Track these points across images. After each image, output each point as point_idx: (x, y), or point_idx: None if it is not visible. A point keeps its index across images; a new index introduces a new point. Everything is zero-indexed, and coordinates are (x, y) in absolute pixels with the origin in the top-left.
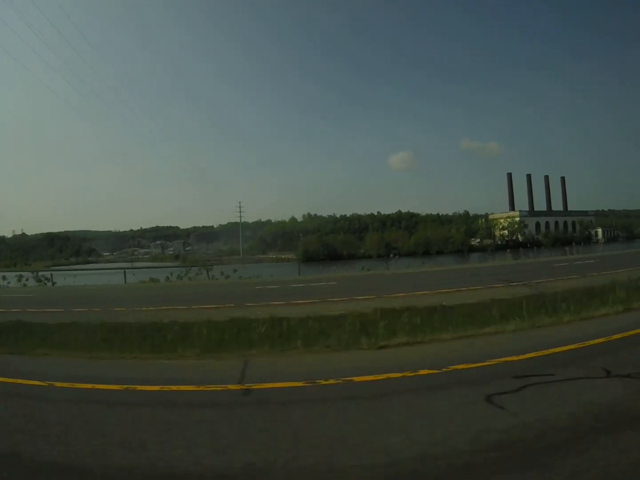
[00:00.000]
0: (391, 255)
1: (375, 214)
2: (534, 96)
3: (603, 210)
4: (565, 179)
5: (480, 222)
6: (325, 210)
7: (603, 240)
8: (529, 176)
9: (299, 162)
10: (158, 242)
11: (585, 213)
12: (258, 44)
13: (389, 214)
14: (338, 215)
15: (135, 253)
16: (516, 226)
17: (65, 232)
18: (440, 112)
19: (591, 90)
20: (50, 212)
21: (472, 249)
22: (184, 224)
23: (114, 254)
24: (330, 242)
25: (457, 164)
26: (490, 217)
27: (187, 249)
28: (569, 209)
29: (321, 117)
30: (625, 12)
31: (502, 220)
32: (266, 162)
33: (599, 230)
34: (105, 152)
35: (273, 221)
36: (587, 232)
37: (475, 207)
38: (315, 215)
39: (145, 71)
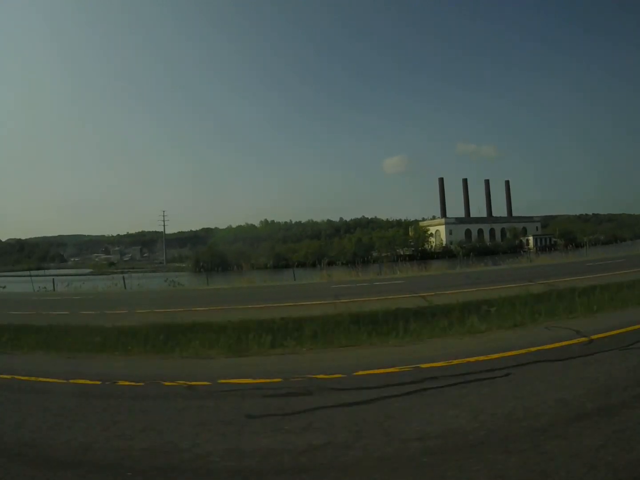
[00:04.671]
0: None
1: (337, 220)
2: (531, 99)
3: (586, 214)
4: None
5: (410, 229)
6: (307, 215)
7: (535, 249)
8: (465, 180)
9: (289, 163)
10: (117, 248)
11: (530, 219)
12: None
13: (346, 221)
14: (293, 222)
15: (97, 259)
16: (421, 235)
17: (60, 236)
18: (432, 113)
19: (589, 91)
20: (41, 216)
21: (368, 260)
22: (170, 229)
23: (76, 260)
24: (223, 252)
25: (445, 168)
26: (421, 224)
27: (144, 255)
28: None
29: (301, 113)
30: (623, 13)
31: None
32: (255, 165)
33: (530, 239)
34: (99, 156)
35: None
36: (518, 241)
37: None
38: (273, 221)
39: (140, 73)
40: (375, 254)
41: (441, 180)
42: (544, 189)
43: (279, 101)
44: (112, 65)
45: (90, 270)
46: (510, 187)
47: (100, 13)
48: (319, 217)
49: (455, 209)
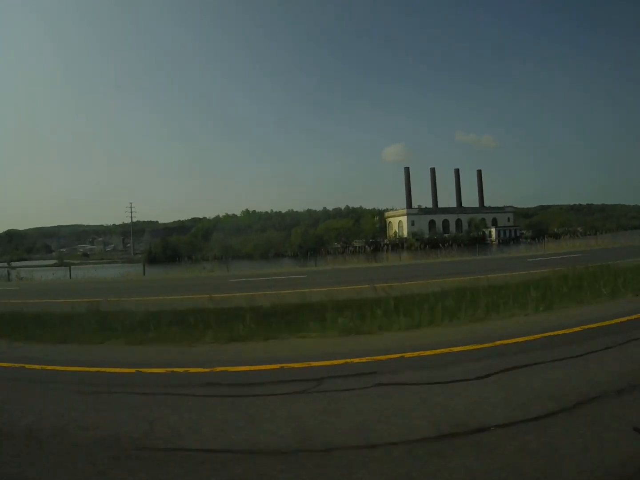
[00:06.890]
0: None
1: (320, 209)
2: (530, 90)
3: (580, 204)
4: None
5: (375, 220)
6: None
7: (496, 241)
8: (432, 169)
9: (285, 154)
10: (100, 238)
11: (502, 209)
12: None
13: (328, 210)
14: (273, 212)
15: (82, 250)
16: (371, 226)
17: (58, 226)
18: (430, 103)
19: (591, 83)
20: (40, 207)
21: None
22: (166, 219)
23: (62, 250)
24: (175, 243)
25: (443, 158)
26: (386, 214)
27: (127, 245)
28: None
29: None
30: (623, 4)
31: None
32: (251, 155)
33: (492, 230)
34: (100, 148)
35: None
36: (480, 232)
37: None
38: (254, 211)
39: (138, 68)
40: (334, 245)
41: (407, 170)
42: (543, 179)
43: (279, 93)
44: (111, 59)
45: (55, 261)
46: (484, 177)
47: (99, 8)
48: (316, 207)
49: (448, 200)
